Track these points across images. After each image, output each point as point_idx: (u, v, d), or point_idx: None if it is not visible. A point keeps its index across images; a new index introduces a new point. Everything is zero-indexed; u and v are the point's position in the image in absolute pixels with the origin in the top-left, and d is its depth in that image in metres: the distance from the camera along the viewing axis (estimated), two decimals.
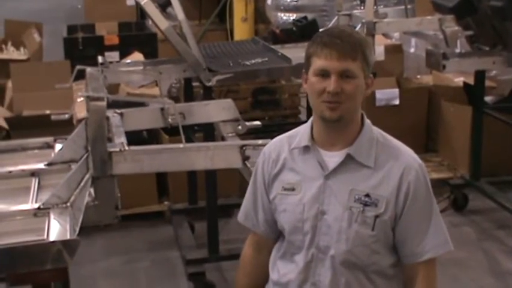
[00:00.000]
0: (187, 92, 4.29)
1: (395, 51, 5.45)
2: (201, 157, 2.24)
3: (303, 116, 5.32)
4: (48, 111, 4.41)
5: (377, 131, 1.96)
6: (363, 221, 1.87)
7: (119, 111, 2.74)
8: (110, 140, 2.45)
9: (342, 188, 1.89)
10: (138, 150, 2.25)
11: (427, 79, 5.48)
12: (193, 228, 4.23)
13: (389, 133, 2.02)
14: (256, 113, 5.30)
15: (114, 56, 6.05)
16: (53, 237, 2.04)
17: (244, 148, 2.20)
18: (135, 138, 2.73)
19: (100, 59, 3.69)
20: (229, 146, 2.27)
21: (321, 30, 2.17)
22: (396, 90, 5.12)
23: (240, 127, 2.70)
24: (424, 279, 1.93)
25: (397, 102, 5.09)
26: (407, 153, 1.94)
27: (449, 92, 5.16)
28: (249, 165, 2.16)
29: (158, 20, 3.54)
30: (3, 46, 6.33)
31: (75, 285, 3.73)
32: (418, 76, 5.60)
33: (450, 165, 5.04)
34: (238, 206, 4.50)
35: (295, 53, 3.90)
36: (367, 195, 1.87)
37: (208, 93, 3.66)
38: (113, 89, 5.35)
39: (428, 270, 1.94)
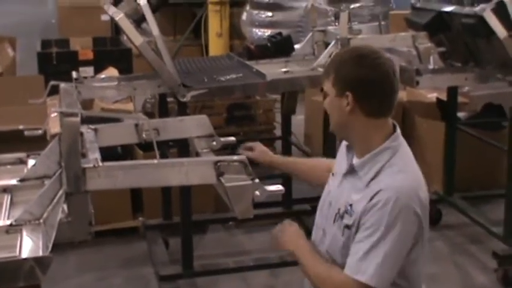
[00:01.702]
0: (162, 108, 4.28)
1: None
2: (175, 173, 2.22)
3: (277, 131, 5.34)
4: (21, 127, 4.36)
5: (399, 157, 1.97)
6: (339, 225, 2.02)
7: (93, 126, 2.72)
8: (84, 155, 2.44)
9: (346, 190, 2.04)
10: (112, 166, 2.22)
11: (401, 95, 5.52)
12: (167, 244, 4.21)
13: None
14: (231, 128, 5.31)
15: (88, 71, 6.04)
16: (25, 254, 2.02)
17: (218, 164, 2.18)
18: (109, 153, 2.72)
19: (74, 74, 3.66)
20: (203, 162, 2.24)
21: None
22: None
23: (214, 143, 2.70)
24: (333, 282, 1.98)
25: None
26: (400, 181, 1.93)
27: (423, 107, 5.21)
28: (223, 181, 2.17)
29: (133, 36, 3.53)
30: None
31: None
32: None
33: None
34: (213, 221, 4.59)
35: (270, 69, 3.92)
36: (351, 205, 1.98)
37: (183, 109, 3.66)
38: (87, 104, 5.33)
39: (345, 283, 1.94)
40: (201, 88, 3.61)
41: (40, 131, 2.75)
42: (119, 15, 3.51)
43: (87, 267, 4.09)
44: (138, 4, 3.57)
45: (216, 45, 7.63)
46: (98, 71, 6.09)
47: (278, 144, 5.19)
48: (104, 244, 4.27)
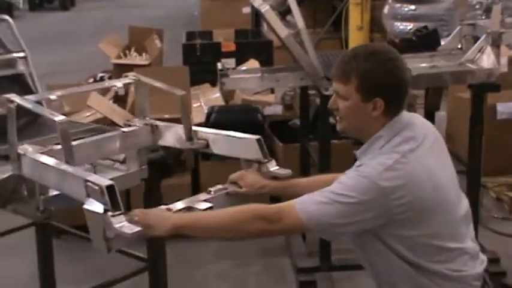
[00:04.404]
0: (303, 101, 4.29)
1: None
2: (59, 179, 2.11)
3: None
4: (166, 115, 4.52)
5: (392, 142, 1.99)
6: None
7: (154, 123, 2.68)
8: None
9: None
10: (32, 158, 2.24)
11: None
12: (304, 236, 4.22)
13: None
14: None
15: (230, 62, 6.15)
16: None
17: (87, 183, 1.93)
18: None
19: (219, 65, 3.76)
20: (74, 176, 2.02)
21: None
22: None
23: (264, 171, 2.31)
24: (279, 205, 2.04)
25: None
26: (380, 158, 1.96)
27: None
28: (85, 202, 1.91)
29: (278, 28, 3.55)
30: (127, 51, 6.59)
31: (189, 285, 3.85)
32: None
33: None
34: None
35: (414, 63, 3.81)
36: None
37: (325, 102, 3.64)
38: (229, 95, 5.46)
39: (287, 205, 2.02)
40: None
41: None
42: (265, 7, 3.55)
43: (226, 254, 4.19)
44: None
45: (356, 39, 7.55)
46: (239, 62, 6.20)
47: None
48: None
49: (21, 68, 3.36)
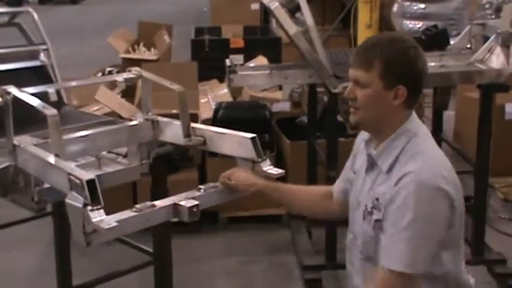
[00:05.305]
0: (311, 98, 4.28)
1: None
2: (44, 169, 2.15)
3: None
4: (174, 111, 4.52)
5: (417, 140, 1.95)
6: (369, 221, 1.96)
7: (155, 118, 2.68)
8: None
9: (369, 185, 2.00)
10: (25, 149, 2.28)
11: None
12: (310, 235, 4.22)
13: None
14: None
15: (238, 59, 6.15)
16: None
17: (70, 177, 1.95)
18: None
19: (227, 61, 3.75)
20: (58, 169, 2.05)
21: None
22: None
23: (257, 170, 2.27)
24: (374, 282, 1.90)
25: None
26: (421, 163, 1.88)
27: None
28: (67, 195, 1.92)
29: (287, 25, 3.55)
30: (136, 46, 6.59)
31: (195, 281, 3.86)
32: None
33: None
34: None
35: None
36: (377, 199, 1.94)
37: (334, 100, 3.65)
38: (237, 91, 5.45)
39: (383, 277, 1.88)
40: None
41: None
42: (275, 4, 3.54)
43: (233, 251, 4.20)
44: None
45: (365, 37, 7.45)
46: (247, 59, 6.20)
47: None
48: (249, 230, 4.36)
49: (43, 59, 3.38)
